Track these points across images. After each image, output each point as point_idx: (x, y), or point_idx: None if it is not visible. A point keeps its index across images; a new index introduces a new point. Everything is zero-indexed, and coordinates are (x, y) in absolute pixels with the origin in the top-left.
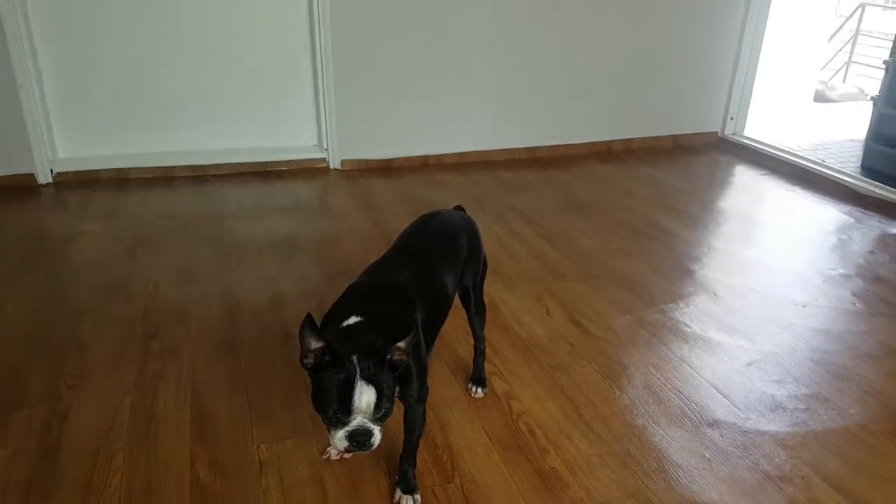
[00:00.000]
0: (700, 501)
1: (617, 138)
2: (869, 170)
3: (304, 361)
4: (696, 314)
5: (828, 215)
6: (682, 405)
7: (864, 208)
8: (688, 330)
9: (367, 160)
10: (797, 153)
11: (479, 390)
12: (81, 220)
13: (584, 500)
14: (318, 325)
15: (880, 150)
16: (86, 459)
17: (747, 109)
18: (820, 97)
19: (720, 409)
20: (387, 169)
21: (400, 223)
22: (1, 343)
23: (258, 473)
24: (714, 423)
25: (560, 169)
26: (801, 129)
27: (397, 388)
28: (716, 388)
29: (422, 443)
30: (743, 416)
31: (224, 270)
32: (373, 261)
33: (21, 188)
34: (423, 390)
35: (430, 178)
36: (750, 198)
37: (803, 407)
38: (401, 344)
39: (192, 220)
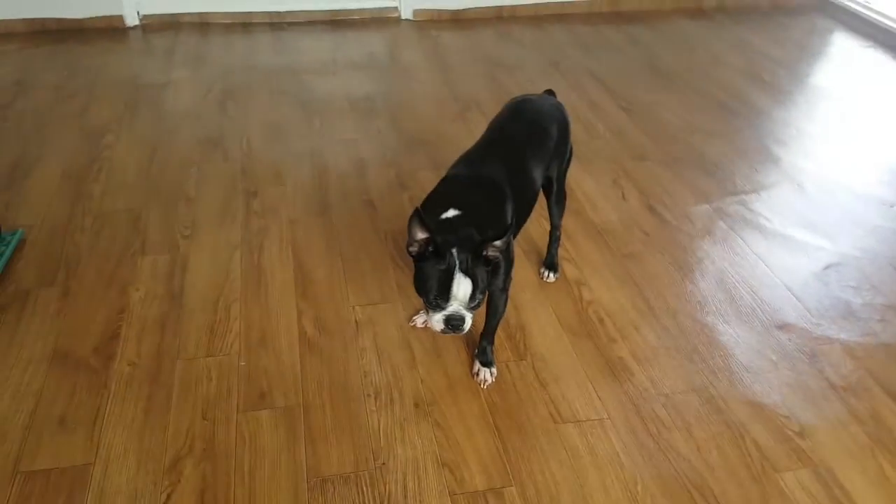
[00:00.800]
0: (762, 403)
1: None
2: None
3: (410, 249)
4: (777, 207)
5: None
6: (755, 305)
7: None
8: (768, 224)
9: (438, 10)
10: None
11: (552, 275)
12: (170, 66)
13: (648, 389)
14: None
15: None
16: (207, 306)
17: None
18: None
19: (792, 313)
20: (458, 20)
21: (472, 86)
22: (122, 188)
23: (356, 333)
24: (784, 327)
25: (644, 26)
26: None
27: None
28: (790, 291)
29: None
30: (815, 321)
31: (309, 130)
32: (450, 130)
33: (110, 30)
34: (508, 281)
35: (504, 32)
36: (849, 73)
37: (878, 317)
38: (497, 243)
39: (274, 73)
